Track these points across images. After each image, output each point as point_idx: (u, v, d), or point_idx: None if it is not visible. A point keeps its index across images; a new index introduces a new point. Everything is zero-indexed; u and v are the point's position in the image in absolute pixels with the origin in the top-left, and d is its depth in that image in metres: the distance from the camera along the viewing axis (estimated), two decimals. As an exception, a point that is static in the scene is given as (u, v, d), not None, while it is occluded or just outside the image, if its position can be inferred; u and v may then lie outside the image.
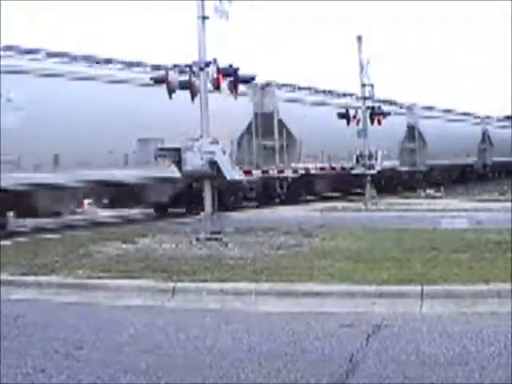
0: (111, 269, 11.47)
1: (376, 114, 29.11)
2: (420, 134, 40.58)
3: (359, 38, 28.31)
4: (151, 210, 25.72)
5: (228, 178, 15.23)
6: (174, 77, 15.20)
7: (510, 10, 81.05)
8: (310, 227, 16.88)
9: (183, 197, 23.98)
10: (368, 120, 28.61)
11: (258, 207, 27.01)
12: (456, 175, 45.16)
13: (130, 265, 11.80)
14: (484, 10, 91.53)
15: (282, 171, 28.85)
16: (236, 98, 15.99)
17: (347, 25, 71.81)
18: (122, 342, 7.62)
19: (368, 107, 28.79)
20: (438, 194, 32.60)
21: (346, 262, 11.50)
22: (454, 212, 22.46)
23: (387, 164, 32.29)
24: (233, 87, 15.53)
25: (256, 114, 28.41)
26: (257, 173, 27.27)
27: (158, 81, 16.20)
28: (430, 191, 33.73)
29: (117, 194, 22.38)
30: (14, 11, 45.11)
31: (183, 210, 24.27)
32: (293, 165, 29.49)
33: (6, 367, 6.63)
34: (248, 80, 16.62)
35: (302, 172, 29.97)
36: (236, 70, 15.40)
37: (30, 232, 19.73)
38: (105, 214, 25.56)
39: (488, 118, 51.86)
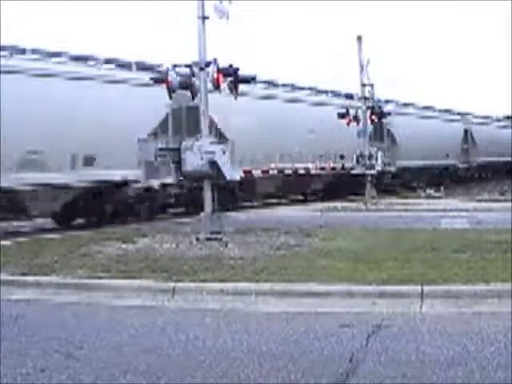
0: (111, 269, 11.48)
1: (375, 114, 29.18)
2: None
3: (359, 38, 28.36)
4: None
5: (228, 178, 15.22)
6: (174, 77, 15.20)
7: (510, 10, 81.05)
8: (310, 227, 16.87)
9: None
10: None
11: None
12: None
13: (129, 265, 11.81)
14: (484, 10, 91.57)
15: (281, 171, 28.84)
16: (236, 98, 15.99)
17: (347, 25, 71.74)
18: (122, 342, 7.62)
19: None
20: (438, 194, 32.62)
21: (346, 261, 11.50)
22: (454, 212, 22.49)
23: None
24: (233, 87, 15.54)
25: None
26: (257, 173, 27.23)
27: (157, 81, 16.20)
28: (430, 191, 33.74)
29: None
30: (14, 11, 45.09)
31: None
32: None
33: (6, 367, 6.63)
34: (248, 80, 16.62)
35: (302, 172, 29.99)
36: (236, 69, 15.40)
37: (30, 232, 19.72)
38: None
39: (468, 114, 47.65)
